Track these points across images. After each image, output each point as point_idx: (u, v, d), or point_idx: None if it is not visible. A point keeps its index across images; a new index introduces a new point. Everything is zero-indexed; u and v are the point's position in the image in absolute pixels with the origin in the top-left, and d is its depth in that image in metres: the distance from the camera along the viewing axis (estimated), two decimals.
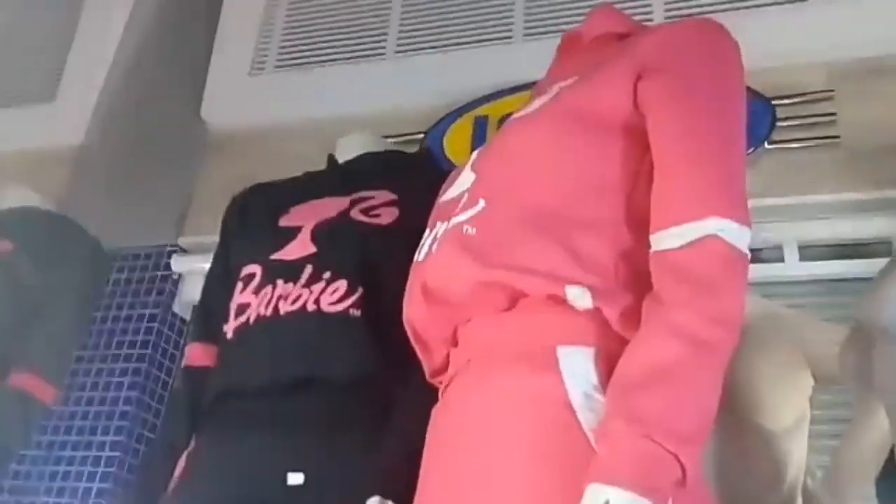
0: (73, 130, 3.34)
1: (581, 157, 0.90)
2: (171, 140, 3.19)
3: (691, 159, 0.85)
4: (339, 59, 3.14)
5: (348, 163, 1.37)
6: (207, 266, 2.97)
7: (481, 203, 0.92)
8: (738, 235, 0.81)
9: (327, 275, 1.13)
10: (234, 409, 1.13)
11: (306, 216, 1.22)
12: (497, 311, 0.90)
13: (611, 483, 0.70)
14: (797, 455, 1.53)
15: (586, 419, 0.77)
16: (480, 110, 2.81)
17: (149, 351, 2.72)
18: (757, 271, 2.14)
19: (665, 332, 0.77)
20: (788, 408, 1.51)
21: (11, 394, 1.50)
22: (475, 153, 1.05)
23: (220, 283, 1.30)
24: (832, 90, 2.47)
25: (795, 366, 1.52)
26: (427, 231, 1.02)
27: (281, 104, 3.12)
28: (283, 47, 3.28)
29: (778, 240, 2.30)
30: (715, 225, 0.81)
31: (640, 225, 0.87)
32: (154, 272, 2.87)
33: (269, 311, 1.13)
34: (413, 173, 1.33)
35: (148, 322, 2.73)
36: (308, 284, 1.13)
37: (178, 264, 2.94)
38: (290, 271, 1.15)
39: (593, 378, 0.80)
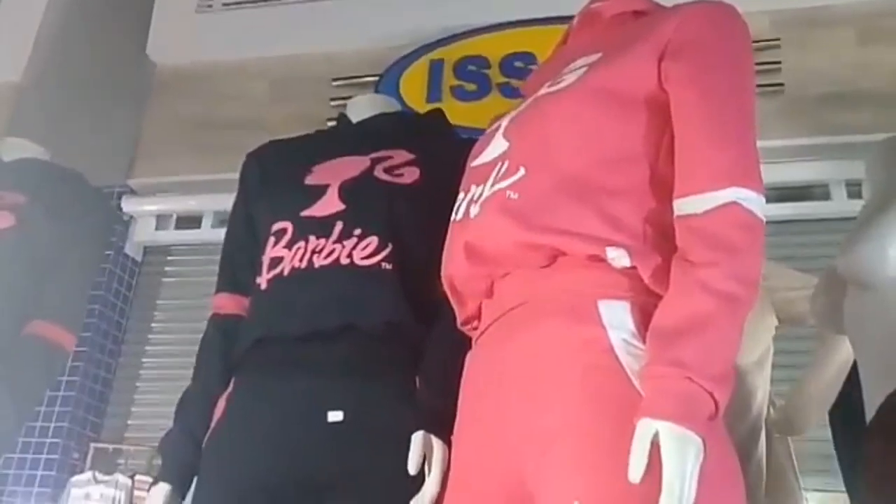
0: (10, 68, 3.22)
1: (611, 130, 0.97)
2: (116, 78, 3.10)
3: (712, 133, 0.93)
4: None
5: (363, 122, 1.38)
6: (158, 208, 3.00)
7: (521, 170, 0.99)
8: (756, 203, 0.91)
9: (357, 231, 1.17)
10: (273, 354, 1.17)
11: (331, 175, 1.25)
12: (536, 268, 0.97)
13: (659, 417, 0.79)
14: (762, 387, 1.65)
15: (627, 362, 0.85)
16: (435, 53, 2.81)
17: (101, 292, 2.70)
18: None
19: (697, 290, 0.86)
20: (755, 346, 1.62)
21: (34, 341, 1.50)
22: (505, 120, 1.10)
23: (243, 235, 1.32)
24: (777, 38, 2.54)
25: (763, 309, 1.63)
26: (462, 193, 1.08)
27: (230, 43, 3.05)
28: None
29: None
30: (734, 193, 0.89)
31: (663, 190, 0.95)
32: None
33: (304, 264, 1.16)
34: (429, 133, 1.37)
35: (101, 264, 2.70)
36: (340, 240, 1.17)
37: (128, 205, 2.90)
38: (321, 227, 1.18)
39: (631, 326, 0.88)
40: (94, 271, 1.74)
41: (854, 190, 2.40)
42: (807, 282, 1.63)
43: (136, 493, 2.42)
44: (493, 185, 1.00)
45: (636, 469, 0.78)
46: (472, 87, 2.73)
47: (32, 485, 2.48)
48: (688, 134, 0.94)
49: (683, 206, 0.92)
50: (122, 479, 2.44)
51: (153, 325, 2.88)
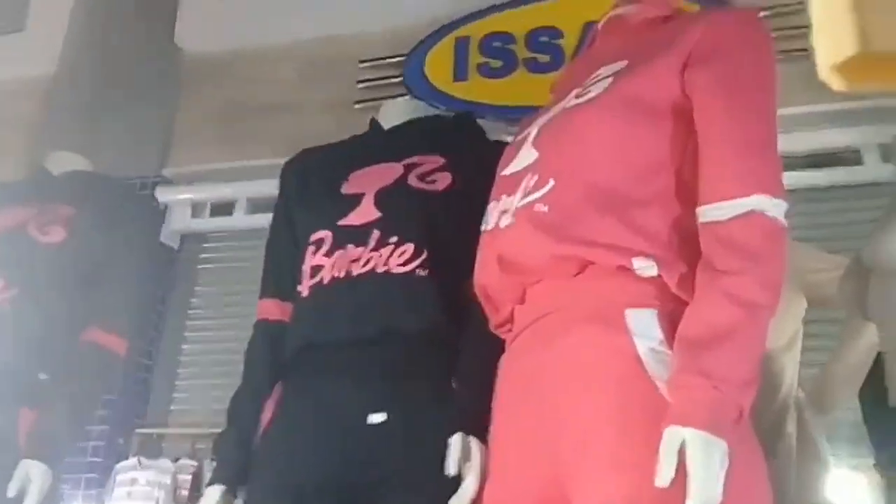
0: (44, 60, 3.27)
1: (638, 139, 0.99)
2: (146, 68, 3.14)
3: (735, 141, 0.94)
4: None
5: (395, 129, 1.41)
6: (192, 196, 3.04)
7: (551, 182, 1.01)
8: (778, 209, 0.92)
9: (394, 239, 1.22)
10: (316, 360, 1.23)
11: (366, 183, 1.30)
12: (567, 276, 1.00)
13: (686, 425, 0.82)
14: (791, 369, 1.65)
15: (654, 370, 0.88)
16: (461, 31, 2.78)
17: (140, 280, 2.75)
18: None
19: (721, 297, 0.88)
20: (784, 328, 1.62)
21: (89, 349, 1.57)
22: (534, 129, 1.12)
23: (285, 244, 1.37)
24: (802, 2, 2.46)
25: (791, 291, 1.62)
26: (492, 202, 1.11)
27: (256, 28, 3.06)
28: None
29: None
30: (757, 201, 0.91)
31: (688, 197, 0.98)
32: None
33: (343, 273, 1.22)
34: (460, 137, 1.40)
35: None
36: (376, 248, 1.22)
37: (163, 195, 2.95)
38: (358, 236, 1.23)
39: (658, 334, 0.91)
40: (144, 276, 1.79)
41: (887, 154, 2.34)
42: (836, 263, 1.62)
43: (180, 476, 2.48)
44: (523, 198, 1.03)
45: (665, 474, 0.80)
46: (497, 63, 2.71)
47: (81, 471, 2.55)
48: (711, 141, 0.96)
49: (707, 212, 0.94)
50: (166, 463, 2.50)
51: (191, 311, 2.93)
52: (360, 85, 2.83)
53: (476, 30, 2.77)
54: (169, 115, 3.08)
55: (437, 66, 2.76)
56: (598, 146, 1.00)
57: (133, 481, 2.43)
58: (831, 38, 0.54)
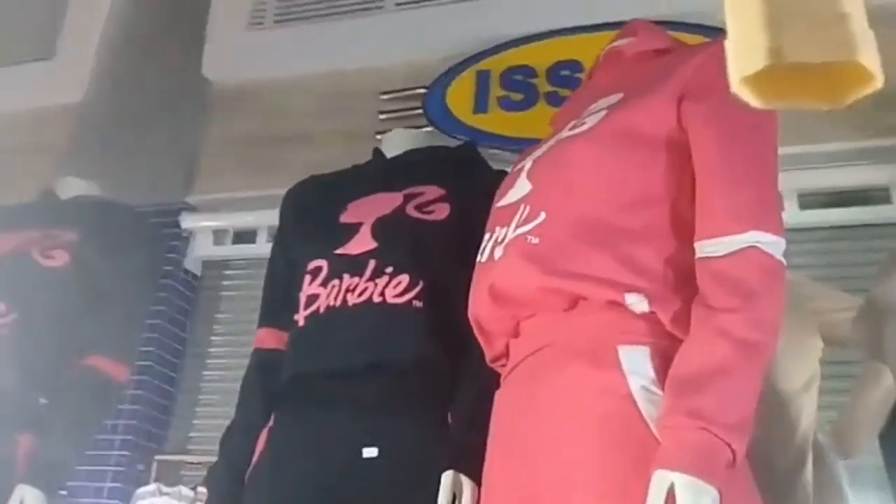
0: (73, 87, 3.33)
1: (631, 172, 0.98)
2: (173, 96, 3.19)
3: (731, 175, 0.93)
4: (339, 13, 3.12)
5: (396, 158, 1.41)
6: (215, 223, 3.07)
7: (542, 215, 1.00)
8: (775, 246, 0.90)
9: (389, 269, 1.20)
10: (309, 390, 1.21)
11: (364, 213, 1.28)
12: (559, 310, 0.98)
13: (675, 469, 0.79)
14: (808, 412, 1.62)
15: (646, 409, 0.86)
16: (482, 64, 2.81)
17: (164, 307, 2.79)
18: None
19: (715, 337, 0.86)
20: (801, 370, 1.59)
21: (88, 373, 1.57)
22: (529, 162, 1.11)
23: (283, 272, 1.36)
24: None
25: (808, 332, 1.60)
26: (487, 234, 1.09)
27: (281, 59, 3.10)
28: (282, 1, 3.25)
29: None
30: (754, 237, 0.89)
31: (684, 230, 0.95)
32: (164, 230, 2.91)
33: (338, 303, 1.20)
34: (460, 168, 1.39)
35: (162, 279, 2.79)
36: (372, 278, 1.20)
37: (187, 222, 2.98)
38: (354, 266, 1.22)
39: (650, 373, 0.89)
40: (147, 303, 1.79)
41: None
42: (854, 303, 1.60)
43: (198, 503, 2.49)
44: (515, 229, 1.01)
45: None
46: (518, 97, 2.73)
47: (101, 496, 2.57)
48: (707, 175, 0.94)
49: (703, 248, 0.92)
50: (185, 490, 2.51)
51: (213, 337, 2.95)
52: (382, 116, 2.86)
53: (497, 63, 2.80)
54: (194, 144, 3.12)
55: (459, 98, 2.79)
56: (588, 178, 0.98)
57: None
58: (743, 50, 0.54)
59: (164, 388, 2.81)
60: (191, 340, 2.94)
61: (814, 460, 1.61)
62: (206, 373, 2.89)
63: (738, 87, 0.55)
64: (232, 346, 2.88)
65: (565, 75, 2.68)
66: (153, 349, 2.72)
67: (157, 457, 2.68)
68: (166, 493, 2.48)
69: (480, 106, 2.76)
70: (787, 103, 0.57)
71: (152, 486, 2.52)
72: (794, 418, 1.56)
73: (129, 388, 2.60)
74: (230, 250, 3.01)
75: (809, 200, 2.39)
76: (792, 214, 2.35)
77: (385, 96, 2.91)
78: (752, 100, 0.55)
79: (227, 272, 3.05)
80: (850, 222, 2.40)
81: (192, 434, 2.81)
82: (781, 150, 2.26)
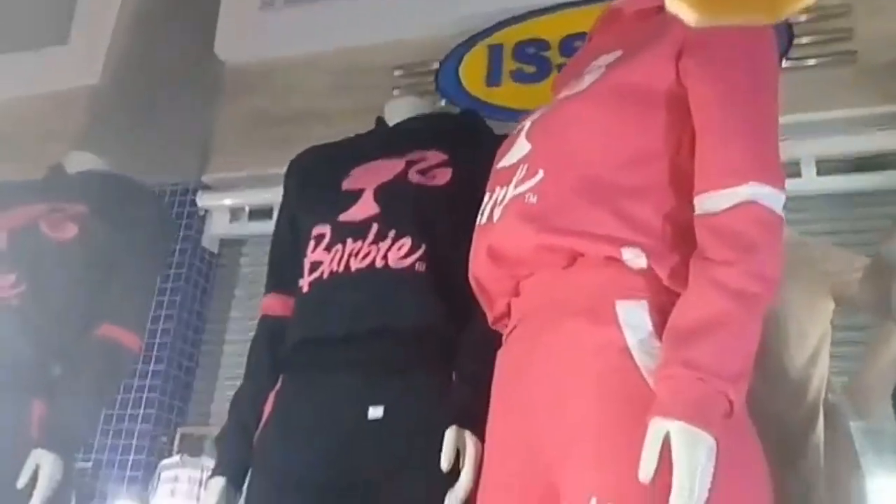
0: (88, 71, 3.36)
1: (630, 129, 0.98)
2: (187, 78, 3.21)
3: (729, 129, 0.93)
4: None
5: (399, 125, 1.42)
6: (231, 202, 3.10)
7: (540, 174, 1.00)
8: (774, 199, 0.90)
9: (392, 233, 1.21)
10: (314, 355, 1.23)
11: (367, 179, 1.29)
12: (558, 268, 0.98)
13: (670, 417, 0.80)
14: (819, 373, 1.62)
15: (643, 362, 0.87)
16: (494, 38, 2.81)
17: (181, 283, 2.82)
18: None
19: (712, 289, 0.86)
20: (812, 331, 1.60)
21: (101, 343, 1.58)
22: (528, 122, 1.11)
23: (288, 239, 1.38)
24: (848, 5, 2.46)
25: (819, 293, 1.60)
26: (487, 195, 1.09)
27: (293, 38, 3.11)
28: None
29: (795, 156, 2.33)
30: (752, 190, 0.89)
31: (684, 187, 0.95)
32: (181, 209, 2.94)
33: (342, 268, 1.21)
34: (462, 133, 1.39)
35: (179, 257, 2.82)
36: (375, 242, 1.21)
37: (203, 200, 3.01)
38: (357, 231, 1.23)
39: (648, 327, 0.89)
40: (157, 274, 1.81)
41: None
42: (865, 263, 1.60)
43: None
44: (514, 189, 1.02)
45: (646, 468, 0.79)
46: (531, 69, 2.73)
47: (125, 468, 2.61)
48: (706, 130, 0.94)
49: (702, 203, 0.92)
50: (208, 461, 2.55)
51: (231, 314, 2.99)
52: (396, 91, 2.87)
53: (510, 36, 2.80)
54: (209, 124, 3.14)
55: (472, 72, 2.79)
56: (586, 136, 0.99)
57: (176, 478, 2.48)
58: None
59: (185, 363, 2.85)
60: (209, 317, 2.97)
61: (825, 422, 1.61)
62: (225, 347, 2.93)
63: (673, 4, 0.55)
64: (250, 320, 2.90)
65: (578, 47, 2.65)
66: (173, 325, 2.76)
67: (180, 429, 2.72)
68: (189, 464, 2.52)
69: (493, 79, 2.76)
70: (723, 19, 0.56)
71: (176, 458, 2.56)
72: (805, 378, 1.56)
73: (150, 364, 2.65)
74: (246, 228, 3.03)
75: (827, 166, 2.39)
76: (809, 180, 2.35)
77: (398, 72, 2.92)
78: (687, 15, 0.55)
79: (244, 249, 3.08)
80: (868, 188, 2.39)
81: (213, 407, 2.84)
82: (799, 118, 2.29)
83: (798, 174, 2.34)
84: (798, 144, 2.29)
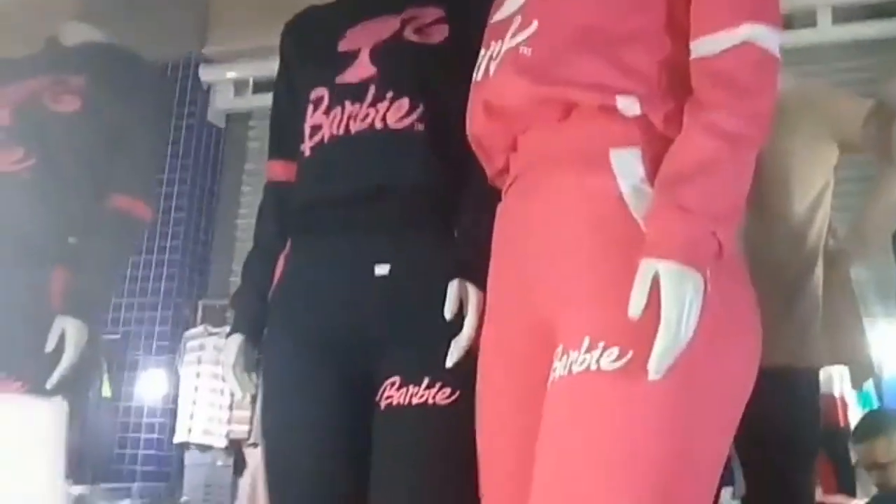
0: None
1: None
2: None
3: None
4: None
5: None
6: (235, 74, 3.05)
7: (535, 24, 0.97)
8: (770, 39, 0.88)
9: (390, 94, 1.19)
10: (320, 217, 1.24)
11: (362, 39, 1.26)
12: (553, 121, 0.97)
13: (659, 257, 0.81)
14: (820, 219, 1.62)
15: (636, 208, 0.87)
16: None
17: (191, 160, 2.83)
18: (789, 37, 2.12)
19: (704, 131, 0.86)
20: (813, 179, 1.57)
21: (113, 212, 1.61)
22: None
23: (287, 103, 1.36)
24: None
25: (822, 138, 1.56)
26: (483, 50, 1.07)
27: None
28: None
29: (810, 4, 2.26)
30: (748, 31, 0.87)
31: (680, 34, 0.92)
32: (184, 83, 2.90)
33: (341, 131, 1.20)
34: None
35: (186, 133, 2.81)
36: (373, 104, 1.20)
37: (206, 74, 2.97)
38: (354, 93, 1.21)
39: (641, 173, 0.89)
40: (161, 142, 1.81)
41: None
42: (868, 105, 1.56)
43: None
44: (509, 41, 0.99)
45: (635, 306, 0.81)
46: None
47: (151, 339, 2.71)
48: None
49: (698, 47, 0.90)
50: None
51: (243, 187, 3.01)
52: None
53: None
54: None
55: None
56: None
57: (202, 346, 2.58)
58: None
59: (201, 237, 2.89)
60: (222, 191, 2.99)
61: (825, 266, 1.63)
62: (238, 222, 2.97)
63: None
64: (261, 193, 2.92)
65: None
66: (185, 201, 2.79)
67: (202, 301, 2.80)
68: (213, 333, 2.61)
69: None
70: None
71: (200, 328, 2.65)
72: (806, 223, 1.56)
73: (167, 240, 2.70)
74: (252, 101, 3.00)
75: (843, 14, 2.32)
76: (824, 29, 2.29)
77: None
78: None
79: (251, 122, 3.06)
80: (883, 35, 2.32)
81: (232, 279, 2.91)
82: None
83: (814, 24, 2.28)
84: None
